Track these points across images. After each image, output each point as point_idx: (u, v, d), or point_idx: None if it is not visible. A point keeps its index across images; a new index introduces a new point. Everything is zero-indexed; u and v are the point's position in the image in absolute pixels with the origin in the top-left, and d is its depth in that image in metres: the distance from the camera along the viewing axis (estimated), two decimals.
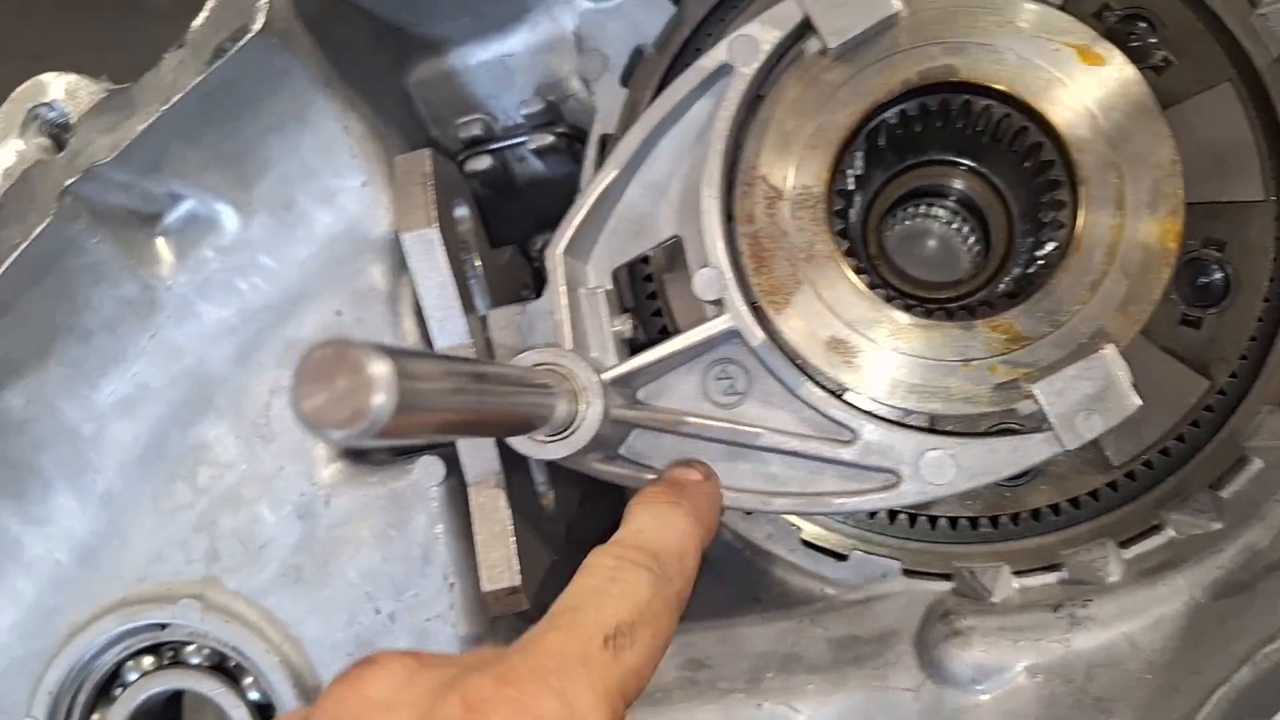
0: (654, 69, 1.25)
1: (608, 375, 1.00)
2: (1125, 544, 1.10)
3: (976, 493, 1.15)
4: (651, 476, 1.04)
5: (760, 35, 1.07)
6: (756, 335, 1.03)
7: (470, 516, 1.13)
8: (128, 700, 1.21)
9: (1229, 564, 1.04)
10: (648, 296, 1.19)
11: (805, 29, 1.07)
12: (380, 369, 0.55)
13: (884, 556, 1.14)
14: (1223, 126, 1.13)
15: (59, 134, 1.05)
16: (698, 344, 1.04)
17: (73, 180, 1.01)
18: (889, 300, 1.05)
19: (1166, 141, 1.02)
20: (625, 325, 1.08)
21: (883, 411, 1.03)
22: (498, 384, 0.80)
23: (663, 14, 1.25)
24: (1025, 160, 1.12)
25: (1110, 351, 0.97)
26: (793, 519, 1.18)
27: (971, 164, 1.25)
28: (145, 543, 1.17)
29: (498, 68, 1.29)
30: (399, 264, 1.16)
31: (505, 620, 1.14)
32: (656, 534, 0.82)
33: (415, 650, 0.71)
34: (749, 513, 1.17)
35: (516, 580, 0.95)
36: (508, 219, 1.35)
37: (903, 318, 1.04)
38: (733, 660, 1.09)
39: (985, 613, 1.05)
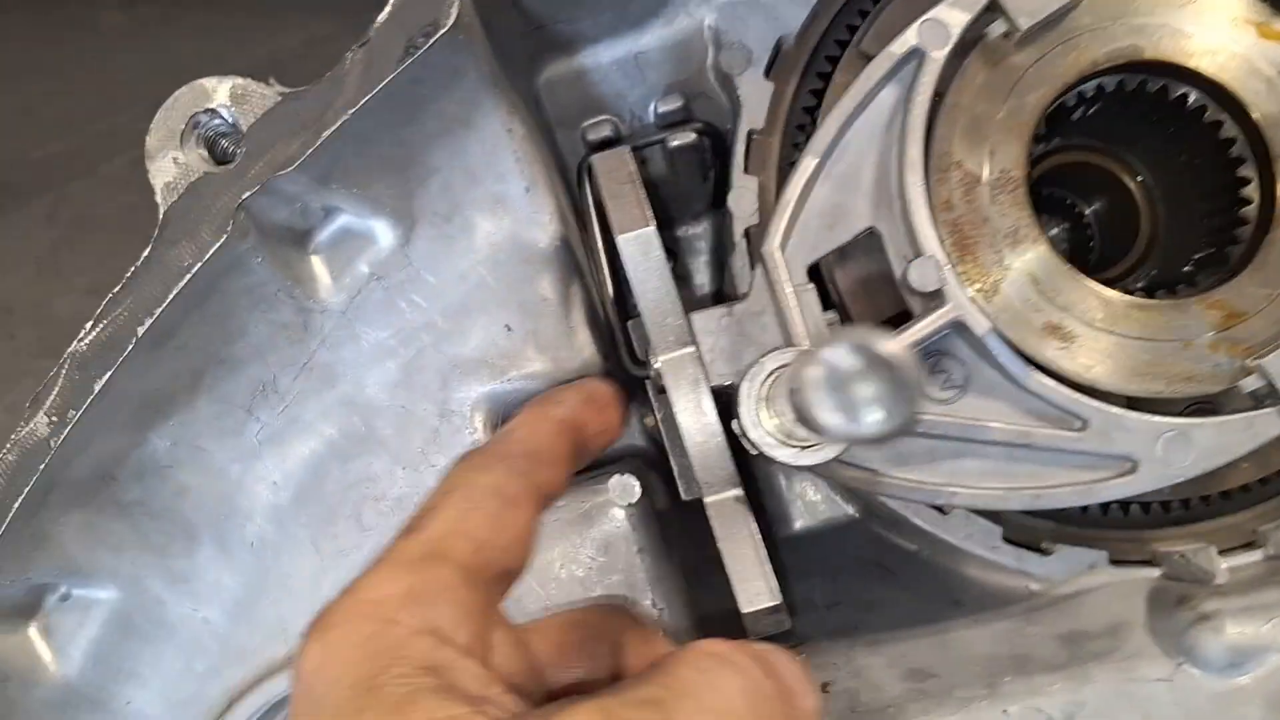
0: (794, 62, 1.21)
1: None
2: None
3: None
4: (873, 476, 1.00)
5: (949, 19, 1.04)
6: (982, 324, 0.99)
7: (658, 537, 1.07)
8: None
9: None
10: None
11: (989, 11, 1.05)
12: None
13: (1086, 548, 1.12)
14: None
15: (223, 143, 0.95)
16: (923, 338, 1.00)
17: (250, 193, 0.91)
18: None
19: None
20: (835, 321, 1.03)
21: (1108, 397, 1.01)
22: None
23: (802, 4, 1.21)
24: (1193, 139, 1.12)
25: None
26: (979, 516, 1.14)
27: (1107, 144, 1.25)
28: (309, 592, 1.06)
29: (629, 65, 1.23)
30: (567, 273, 1.09)
31: None
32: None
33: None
34: (959, 511, 1.13)
35: (777, 598, 0.89)
36: None
37: (1118, 299, 1.02)
38: (959, 666, 1.04)
39: (1222, 594, 1.02)
